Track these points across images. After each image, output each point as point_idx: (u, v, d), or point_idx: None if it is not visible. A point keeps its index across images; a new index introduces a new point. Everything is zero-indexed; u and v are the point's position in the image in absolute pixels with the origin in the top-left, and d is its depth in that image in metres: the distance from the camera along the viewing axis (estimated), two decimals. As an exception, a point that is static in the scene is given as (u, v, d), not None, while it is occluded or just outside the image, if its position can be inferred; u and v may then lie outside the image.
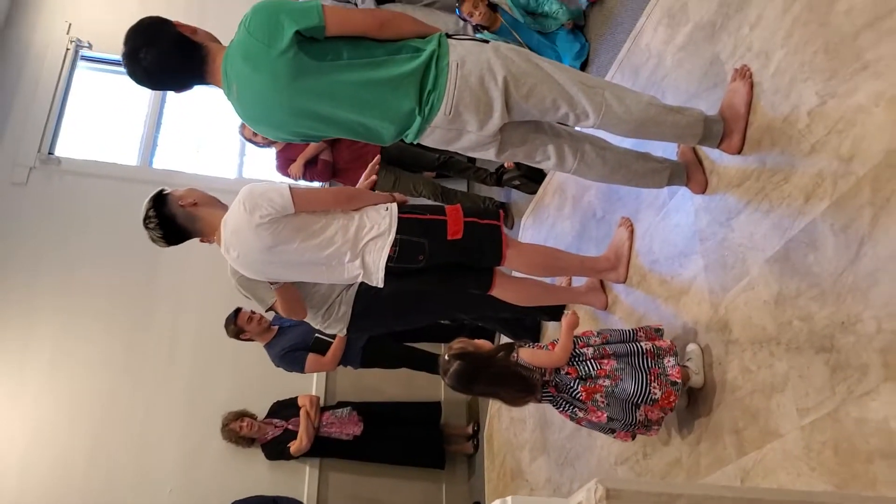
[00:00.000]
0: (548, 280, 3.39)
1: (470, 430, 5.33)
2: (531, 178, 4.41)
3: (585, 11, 4.16)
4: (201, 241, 2.83)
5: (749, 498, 1.18)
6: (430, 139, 2.32)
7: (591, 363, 2.29)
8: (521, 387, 2.27)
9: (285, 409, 5.00)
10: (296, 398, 5.08)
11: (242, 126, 4.74)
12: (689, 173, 2.51)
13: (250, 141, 4.93)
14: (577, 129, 2.45)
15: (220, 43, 2.34)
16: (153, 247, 2.77)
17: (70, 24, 6.34)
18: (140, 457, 5.20)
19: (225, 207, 2.73)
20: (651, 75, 3.00)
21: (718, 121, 2.34)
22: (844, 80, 1.90)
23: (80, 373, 5.35)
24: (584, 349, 2.33)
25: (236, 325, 4.46)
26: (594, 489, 1.13)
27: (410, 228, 2.71)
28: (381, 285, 2.74)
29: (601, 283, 3.17)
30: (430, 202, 4.70)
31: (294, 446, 4.87)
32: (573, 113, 2.28)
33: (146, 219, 2.70)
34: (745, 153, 2.30)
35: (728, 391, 2.23)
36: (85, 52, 6.38)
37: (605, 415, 2.27)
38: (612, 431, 2.32)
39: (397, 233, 2.68)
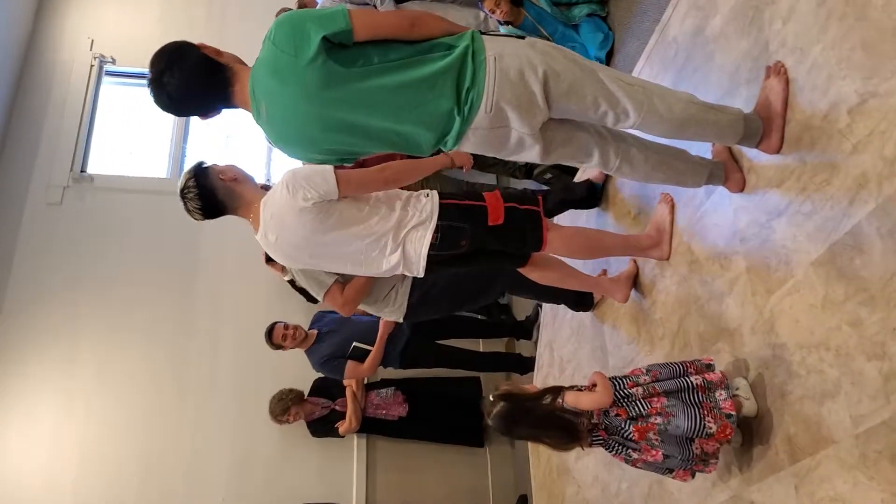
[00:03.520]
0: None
1: None
2: (563, 170, 4.36)
3: (607, 0, 4.10)
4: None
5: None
6: (472, 143, 2.22)
7: (641, 403, 2.23)
8: (565, 432, 2.22)
9: (330, 386, 5.01)
10: None
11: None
12: (727, 172, 2.46)
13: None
14: (616, 128, 2.39)
15: (246, 65, 2.30)
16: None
17: (93, 41, 6.37)
18: (191, 468, 5.25)
19: (263, 190, 2.70)
20: (681, 70, 2.93)
21: (757, 119, 2.28)
22: (885, 78, 1.84)
23: (126, 388, 5.41)
24: (634, 389, 2.27)
25: (273, 342, 4.49)
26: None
27: (451, 214, 2.69)
28: (421, 274, 2.71)
29: (633, 280, 3.15)
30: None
31: (343, 427, 4.92)
32: (613, 112, 2.22)
33: (185, 189, 2.63)
34: (783, 152, 2.24)
35: (777, 395, 2.19)
36: (109, 66, 6.40)
37: (661, 452, 2.20)
38: (670, 471, 2.27)
39: (439, 219, 2.67)
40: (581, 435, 2.25)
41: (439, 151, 2.33)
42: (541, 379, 4.33)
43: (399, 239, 2.64)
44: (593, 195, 3.70)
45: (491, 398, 2.25)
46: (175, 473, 5.22)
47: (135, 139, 6.46)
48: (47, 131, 6.02)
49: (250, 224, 2.71)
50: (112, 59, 6.38)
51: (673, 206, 2.88)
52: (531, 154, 2.28)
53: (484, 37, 2.17)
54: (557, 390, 2.30)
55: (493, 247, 2.76)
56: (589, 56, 4.03)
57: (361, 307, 3.50)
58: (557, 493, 3.99)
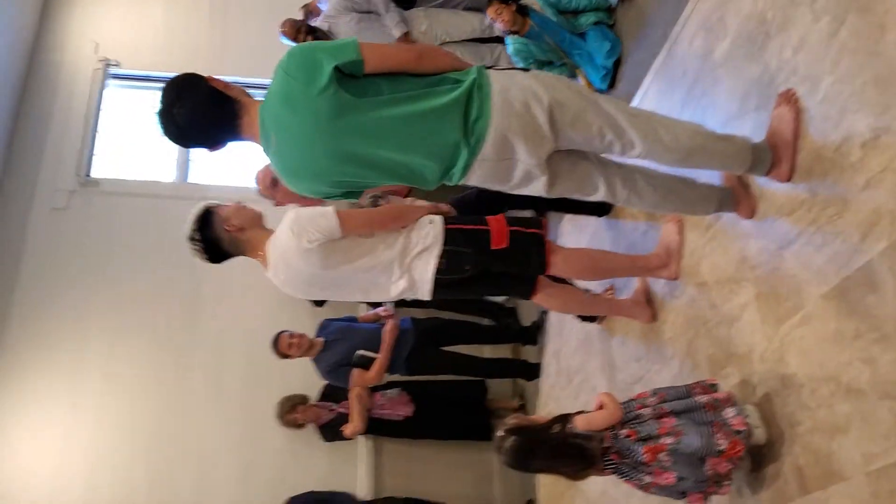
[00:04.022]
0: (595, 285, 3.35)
1: (516, 403, 5.31)
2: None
3: (614, 9, 4.08)
4: None
5: None
6: (478, 175, 2.23)
7: (650, 423, 2.24)
8: (580, 458, 2.23)
9: (337, 391, 5.02)
10: None
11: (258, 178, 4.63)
12: (737, 199, 2.46)
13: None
14: (622, 159, 2.38)
15: (252, 98, 2.31)
16: (196, 260, 2.81)
17: (97, 44, 6.36)
18: (198, 472, 5.26)
19: (269, 229, 2.75)
20: (689, 91, 2.92)
21: (766, 149, 2.27)
22: (898, 116, 1.83)
23: (133, 392, 5.42)
24: (642, 410, 2.28)
25: (279, 351, 4.50)
26: None
27: (455, 239, 2.74)
28: (429, 297, 2.77)
29: (647, 296, 3.13)
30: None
31: (348, 429, 4.89)
32: (620, 142, 2.22)
33: (191, 238, 2.69)
34: (794, 181, 2.24)
35: (787, 425, 2.19)
36: (114, 69, 6.40)
37: (674, 475, 2.21)
38: (684, 495, 2.27)
39: (443, 244, 2.72)
40: (595, 459, 2.26)
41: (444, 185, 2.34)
42: (547, 388, 4.34)
43: (405, 266, 2.70)
44: (604, 204, 3.69)
45: (500, 434, 2.25)
46: (182, 478, 5.23)
47: (141, 142, 6.46)
48: (53, 135, 6.02)
49: (259, 263, 2.75)
50: (117, 62, 6.38)
51: (682, 226, 2.87)
52: (537, 187, 2.28)
53: (490, 71, 2.20)
54: (566, 417, 2.31)
55: (498, 269, 2.78)
56: (596, 65, 4.02)
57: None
58: (566, 507, 4.01)
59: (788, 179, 2.25)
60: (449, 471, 5.40)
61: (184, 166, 6.27)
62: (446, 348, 4.85)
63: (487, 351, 5.36)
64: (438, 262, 2.69)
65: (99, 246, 5.76)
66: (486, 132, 2.13)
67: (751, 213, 2.43)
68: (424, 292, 2.75)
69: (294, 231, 2.58)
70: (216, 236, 2.68)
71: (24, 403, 5.30)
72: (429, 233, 2.73)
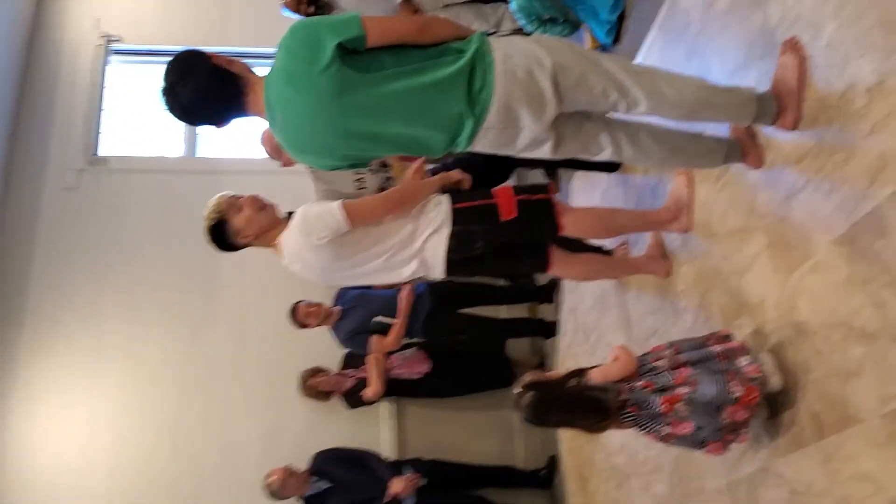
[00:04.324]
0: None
1: (535, 361, 5.33)
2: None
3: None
4: None
5: None
6: (484, 143, 2.25)
7: (666, 374, 2.27)
8: (596, 411, 2.26)
9: (358, 359, 5.08)
10: None
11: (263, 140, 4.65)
12: (745, 149, 2.45)
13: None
14: (627, 116, 2.38)
15: (256, 74, 2.31)
16: None
17: (98, 20, 6.35)
18: (222, 442, 5.35)
19: (283, 220, 2.81)
20: (694, 42, 2.90)
21: (771, 98, 2.26)
22: (904, 59, 1.82)
23: (154, 366, 5.50)
24: (657, 362, 2.31)
25: (297, 321, 4.54)
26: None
27: (464, 218, 2.78)
28: (442, 276, 2.84)
29: (661, 248, 3.14)
30: None
31: (367, 392, 4.95)
32: (624, 101, 2.23)
33: (208, 236, 2.79)
34: (801, 129, 2.23)
35: (802, 372, 2.21)
36: (115, 45, 6.39)
37: (692, 424, 2.24)
38: (703, 444, 2.30)
39: (452, 224, 2.76)
40: (612, 411, 2.29)
41: (451, 153, 2.35)
42: (565, 346, 4.37)
43: (416, 249, 2.77)
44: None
45: (517, 391, 2.28)
46: (207, 451, 5.32)
47: (147, 117, 6.47)
48: (58, 115, 6.04)
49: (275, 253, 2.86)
50: (118, 37, 6.36)
51: (692, 179, 2.87)
52: (543, 150, 2.30)
53: (491, 38, 2.20)
54: (582, 371, 2.34)
55: (510, 241, 2.80)
56: (600, 20, 3.98)
57: None
58: (586, 459, 4.07)
59: (794, 128, 2.24)
60: (471, 430, 5.46)
61: (192, 140, 6.29)
62: (463, 310, 4.88)
63: (504, 311, 5.39)
64: (449, 243, 2.75)
65: (111, 223, 5.80)
66: (490, 102, 2.14)
67: (759, 164, 2.43)
68: (438, 272, 2.83)
69: (303, 230, 2.68)
70: (232, 243, 2.81)
71: (47, 385, 5.39)
72: (437, 215, 2.79)
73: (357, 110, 2.15)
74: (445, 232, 2.76)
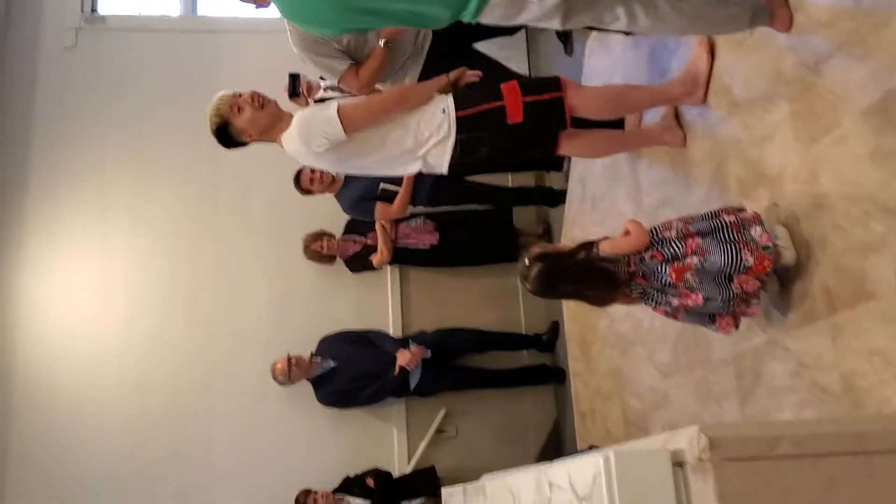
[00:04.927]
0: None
1: (539, 230, 5.33)
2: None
3: None
4: None
5: (854, 433, 1.15)
6: (490, 17, 2.16)
7: (675, 244, 2.21)
8: (606, 282, 2.22)
9: (361, 224, 5.08)
10: None
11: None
12: (773, 10, 2.30)
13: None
14: None
15: None
16: (210, 91, 2.88)
17: None
18: (232, 304, 5.38)
19: (287, 115, 2.82)
20: None
21: (807, -47, 2.10)
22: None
23: (161, 227, 5.47)
24: (667, 233, 2.25)
25: (301, 187, 4.49)
26: (696, 439, 1.12)
27: (470, 125, 2.72)
28: (445, 172, 2.86)
29: (676, 117, 3.03)
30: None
31: (376, 259, 4.99)
32: None
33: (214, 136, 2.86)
34: (836, -11, 2.08)
35: (817, 246, 2.16)
36: None
37: (700, 295, 2.20)
38: (713, 319, 2.27)
39: (457, 133, 2.72)
40: (621, 283, 2.26)
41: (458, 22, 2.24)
42: (572, 215, 4.31)
43: (419, 156, 2.75)
44: None
45: (525, 262, 2.24)
46: (218, 317, 5.35)
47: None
48: (53, -29, 5.79)
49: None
50: None
51: (712, 50, 2.71)
52: (552, 23, 2.20)
53: None
54: (591, 244, 2.30)
55: (517, 141, 2.75)
56: None
57: (380, 86, 3.46)
58: (590, 325, 4.08)
59: (831, -15, 2.09)
60: (474, 296, 5.48)
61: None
62: (469, 178, 4.81)
63: (511, 180, 5.32)
64: (453, 151, 2.72)
65: (112, 83, 5.66)
66: None
67: (787, 26, 2.29)
68: (441, 171, 2.82)
69: (301, 137, 2.68)
70: (236, 142, 2.86)
71: (58, 245, 5.38)
72: (441, 123, 2.72)
73: None
74: (450, 142, 2.72)
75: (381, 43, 3.37)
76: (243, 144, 2.88)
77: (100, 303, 5.32)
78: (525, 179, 5.36)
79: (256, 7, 3.43)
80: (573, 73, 4.10)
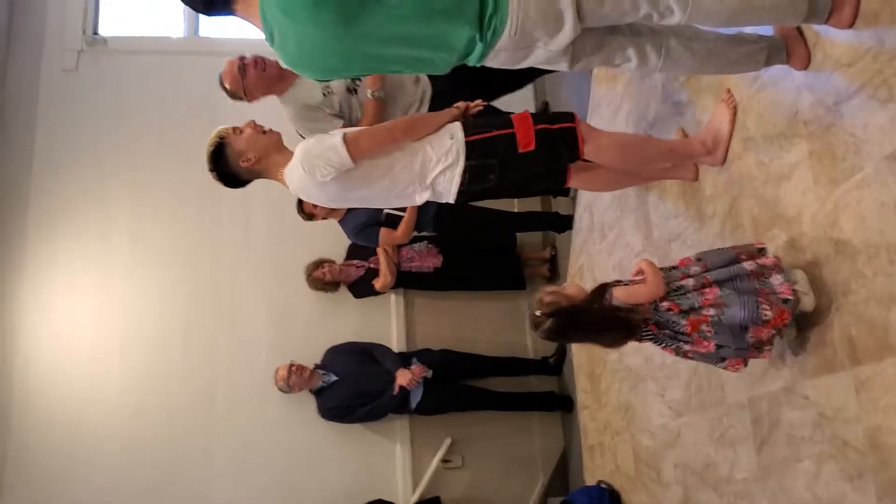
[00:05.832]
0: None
1: (547, 254, 5.27)
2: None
3: None
4: None
5: None
6: (496, 61, 2.12)
7: (692, 295, 2.13)
8: (620, 330, 2.15)
9: (363, 249, 5.02)
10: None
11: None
12: (789, 48, 2.23)
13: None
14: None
15: None
16: (212, 114, 2.81)
17: None
18: (232, 328, 5.32)
19: (288, 151, 2.72)
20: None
21: (825, -7, 2.02)
22: None
23: (161, 250, 5.42)
24: (685, 281, 2.17)
25: (304, 212, 4.42)
26: None
27: (479, 152, 2.63)
28: (453, 202, 2.76)
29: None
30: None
31: (379, 283, 4.94)
32: (656, 12, 2.02)
33: (210, 170, 2.74)
34: (857, 28, 2.01)
35: (839, 293, 2.07)
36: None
37: (713, 343, 2.13)
38: (723, 360, 2.19)
39: (466, 159, 2.62)
40: (635, 329, 2.19)
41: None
42: (580, 243, 4.24)
43: (427, 183, 2.66)
44: None
45: (537, 314, 2.16)
46: (217, 334, 5.29)
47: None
48: (55, -7, 5.75)
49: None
50: None
51: (735, 110, 2.62)
52: (559, 67, 2.16)
53: None
54: (603, 290, 2.22)
55: (526, 171, 2.65)
56: None
57: None
58: (598, 358, 4.00)
59: (851, 26, 2.01)
60: (479, 319, 5.41)
61: (193, 20, 5.99)
62: (473, 203, 4.73)
63: (516, 205, 5.25)
64: (462, 177, 2.63)
65: (113, 105, 5.61)
66: (503, 26, 2.01)
67: (805, 64, 2.21)
68: (449, 199, 2.73)
69: (305, 168, 2.57)
70: (232, 170, 2.72)
71: (57, 267, 5.33)
72: (450, 149, 2.62)
73: (362, 38, 2.05)
74: (459, 169, 2.62)
75: (369, 94, 3.36)
76: (242, 178, 2.76)
77: (99, 327, 5.26)
78: (531, 204, 5.28)
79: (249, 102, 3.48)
80: (580, 106, 4.03)
